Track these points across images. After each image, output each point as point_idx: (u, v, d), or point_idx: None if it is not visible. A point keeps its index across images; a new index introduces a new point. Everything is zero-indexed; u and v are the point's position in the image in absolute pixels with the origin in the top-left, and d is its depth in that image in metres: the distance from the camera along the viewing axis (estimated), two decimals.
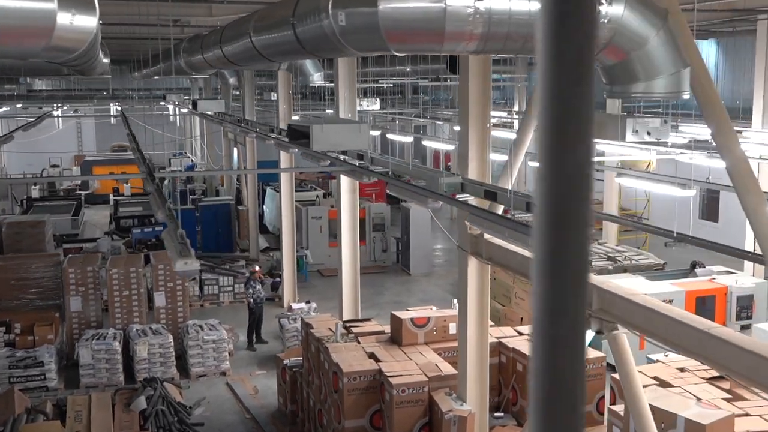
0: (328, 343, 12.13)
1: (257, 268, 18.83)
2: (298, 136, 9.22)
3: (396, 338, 12.27)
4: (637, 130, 10.05)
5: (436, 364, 11.26)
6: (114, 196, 34.78)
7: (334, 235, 25.76)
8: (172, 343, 16.13)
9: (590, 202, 1.06)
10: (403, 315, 12.29)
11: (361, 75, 24.86)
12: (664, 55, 5.61)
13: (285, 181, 20.79)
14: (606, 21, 5.34)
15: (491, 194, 8.67)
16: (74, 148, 45.54)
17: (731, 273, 17.18)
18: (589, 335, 7.90)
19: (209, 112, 22.02)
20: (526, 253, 9.10)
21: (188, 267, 8.67)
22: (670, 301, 15.83)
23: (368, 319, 13.80)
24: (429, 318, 12.22)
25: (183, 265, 8.47)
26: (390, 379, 10.74)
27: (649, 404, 9.01)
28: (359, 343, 12.27)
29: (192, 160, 39.49)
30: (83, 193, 36.41)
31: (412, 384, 10.68)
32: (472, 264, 10.13)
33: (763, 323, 14.18)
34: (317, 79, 14.80)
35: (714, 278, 16.72)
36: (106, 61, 16.16)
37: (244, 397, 15.36)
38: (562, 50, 1.00)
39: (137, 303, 16.85)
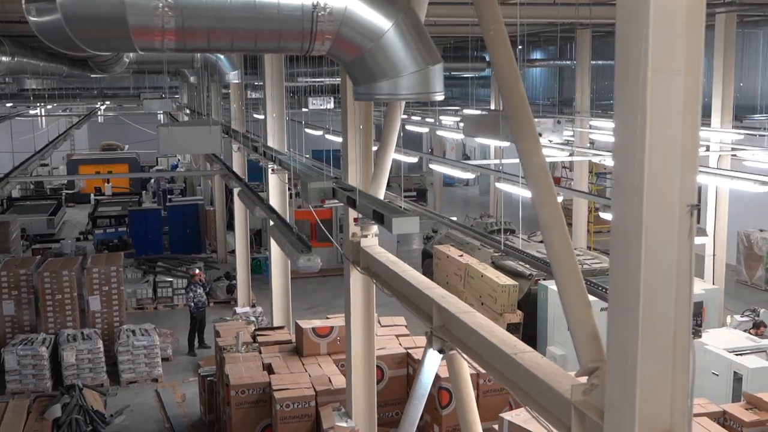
0: (227, 353, 11.66)
1: (197, 270, 18.40)
2: None
3: (299, 348, 11.78)
4: None
5: (329, 378, 10.74)
6: (95, 195, 34.57)
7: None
8: (102, 349, 15.74)
9: None
10: (305, 324, 11.78)
11: (329, 74, 24.40)
12: (404, 51, 5.04)
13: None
14: (326, 13, 4.80)
15: (351, 201, 8.14)
16: (66, 146, 45.40)
17: None
18: (436, 356, 7.36)
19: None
20: (394, 266, 8.58)
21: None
22: None
23: (281, 327, 13.31)
24: (332, 327, 11.71)
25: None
26: (275, 393, 10.25)
27: (518, 425, 8.47)
28: (261, 353, 11.79)
29: (178, 160, 39.23)
30: (65, 192, 36.22)
31: (297, 398, 10.19)
32: (355, 274, 9.59)
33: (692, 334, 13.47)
34: (233, 77, 14.31)
35: None
36: (126, 59, 15.38)
37: (170, 405, 14.93)
38: None
39: (70, 307, 16.47)
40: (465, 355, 6.41)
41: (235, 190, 13.69)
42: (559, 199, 11.83)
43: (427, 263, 21.96)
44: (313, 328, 11.64)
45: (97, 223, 28.72)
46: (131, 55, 13.01)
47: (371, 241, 9.30)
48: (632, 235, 4.06)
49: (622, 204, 4.15)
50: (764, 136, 17.21)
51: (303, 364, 11.28)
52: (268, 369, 11.16)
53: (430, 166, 14.74)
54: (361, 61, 5.13)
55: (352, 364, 9.80)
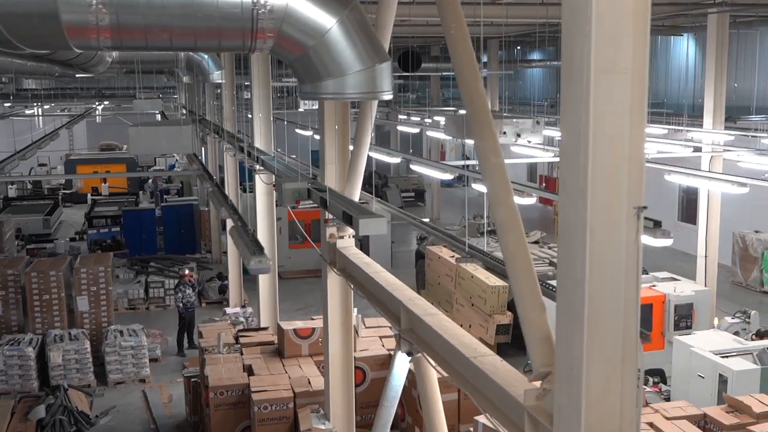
0: (207, 354, 11.60)
1: (187, 271, 18.34)
2: None
3: (280, 350, 11.71)
4: (505, 132, 9.43)
5: (309, 379, 10.67)
6: (92, 195, 34.53)
7: (295, 237, 25.33)
8: (89, 349, 15.69)
9: None
10: (287, 325, 11.71)
11: None
12: (349, 49, 4.95)
13: (231, 182, 20.22)
14: (267, 10, 4.72)
15: (324, 202, 8.07)
16: (65, 146, 45.44)
17: (676, 279, 16.37)
18: (405, 359, 7.28)
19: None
20: (367, 267, 8.50)
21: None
22: None
23: (265, 328, 13.23)
24: (314, 329, 11.63)
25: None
26: (253, 395, 10.18)
27: (492, 428, 8.37)
28: (242, 354, 11.72)
29: (176, 159, 39.18)
30: (62, 192, 36.19)
31: (275, 400, 10.12)
32: (332, 275, 9.53)
33: (681, 335, 13.38)
34: (217, 77, 14.25)
35: (654, 285, 15.92)
36: (108, 59, 15.25)
37: (156, 406, 14.87)
38: None
39: (57, 307, 16.42)
40: (429, 358, 6.34)
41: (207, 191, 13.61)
42: (528, 200, 11.68)
43: (420, 264, 21.87)
44: (295, 330, 11.57)
45: (92, 223, 28.65)
46: (114, 54, 12.96)
47: (347, 242, 9.24)
48: (577, 237, 3.98)
49: (567, 206, 4.07)
50: (756, 137, 17.10)
51: (284, 366, 11.21)
52: (249, 370, 11.09)
53: (411, 166, 14.64)
54: (305, 60, 5.05)
55: (330, 365, 9.74)
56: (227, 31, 4.81)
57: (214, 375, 10.75)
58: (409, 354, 7.02)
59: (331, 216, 7.83)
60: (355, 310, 12.50)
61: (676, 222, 27.45)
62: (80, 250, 25.09)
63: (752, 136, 16.99)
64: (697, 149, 16.74)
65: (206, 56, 13.35)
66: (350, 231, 9.28)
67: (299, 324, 11.85)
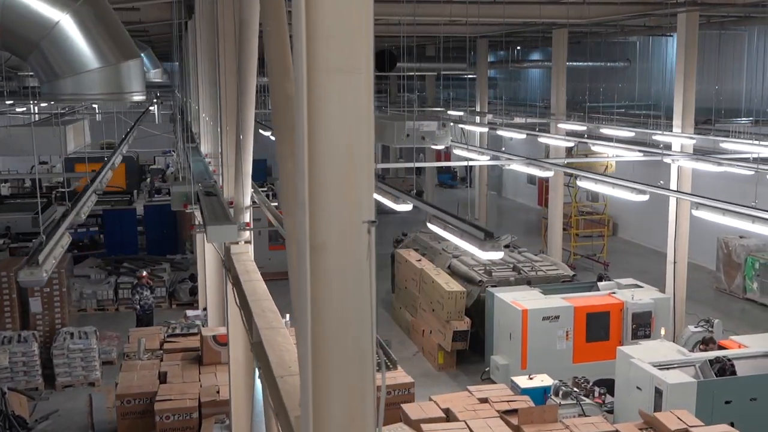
0: (125, 361, 11.35)
1: (144, 273, 18.14)
2: None
3: (201, 356, 11.42)
4: (408, 135, 9.08)
5: (218, 388, 10.36)
6: None
7: (275, 238, 25.10)
8: (37, 351, 15.51)
9: None
10: (207, 332, 11.43)
11: None
12: (84, 45, 4.58)
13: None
14: None
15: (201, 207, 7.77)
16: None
17: (639, 287, 15.88)
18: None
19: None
20: (244, 274, 8.19)
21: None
22: (557, 317, 14.72)
23: (194, 334, 12.95)
24: None
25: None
26: (155, 404, 9.91)
27: None
28: (162, 361, 11.45)
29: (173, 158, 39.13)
30: (57, 190, 36.20)
31: (177, 410, 9.84)
32: (229, 281, 9.21)
33: (627, 346, 12.90)
34: (154, 76, 13.98)
35: (614, 293, 15.44)
36: None
37: (98, 411, 14.58)
38: None
39: (9, 309, 16.28)
40: (262, 374, 6.01)
41: None
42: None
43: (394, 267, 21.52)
44: (214, 336, 11.28)
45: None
46: None
47: (241, 248, 8.92)
48: (302, 254, 3.62)
49: (298, 217, 3.72)
50: (727, 141, 16.54)
51: (199, 373, 10.92)
52: (163, 378, 10.82)
53: None
54: (38, 57, 4.71)
55: (232, 374, 9.43)
56: None
57: (123, 382, 10.51)
58: (258, 368, 6.69)
59: (198, 221, 7.52)
60: (288, 316, 12.23)
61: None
62: None
63: (710, 138, 16.43)
64: (646, 153, 16.10)
65: (142, 54, 13.10)
66: (245, 236, 8.97)
67: (221, 330, 11.55)
